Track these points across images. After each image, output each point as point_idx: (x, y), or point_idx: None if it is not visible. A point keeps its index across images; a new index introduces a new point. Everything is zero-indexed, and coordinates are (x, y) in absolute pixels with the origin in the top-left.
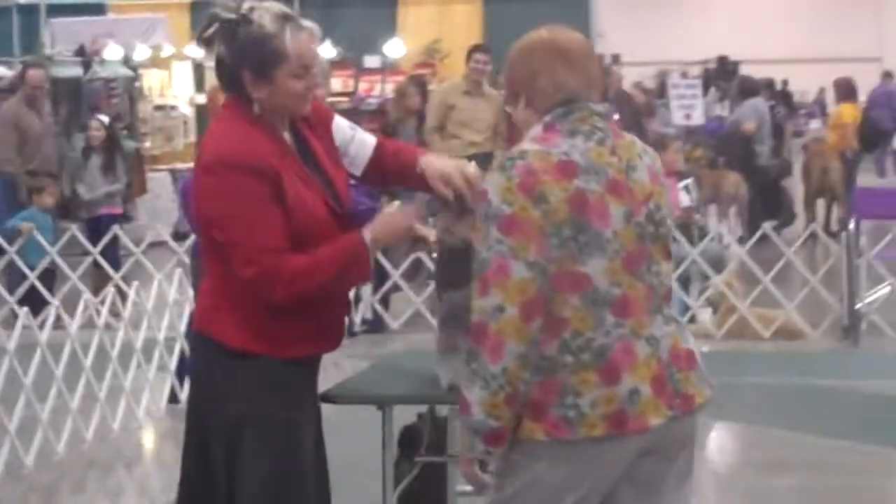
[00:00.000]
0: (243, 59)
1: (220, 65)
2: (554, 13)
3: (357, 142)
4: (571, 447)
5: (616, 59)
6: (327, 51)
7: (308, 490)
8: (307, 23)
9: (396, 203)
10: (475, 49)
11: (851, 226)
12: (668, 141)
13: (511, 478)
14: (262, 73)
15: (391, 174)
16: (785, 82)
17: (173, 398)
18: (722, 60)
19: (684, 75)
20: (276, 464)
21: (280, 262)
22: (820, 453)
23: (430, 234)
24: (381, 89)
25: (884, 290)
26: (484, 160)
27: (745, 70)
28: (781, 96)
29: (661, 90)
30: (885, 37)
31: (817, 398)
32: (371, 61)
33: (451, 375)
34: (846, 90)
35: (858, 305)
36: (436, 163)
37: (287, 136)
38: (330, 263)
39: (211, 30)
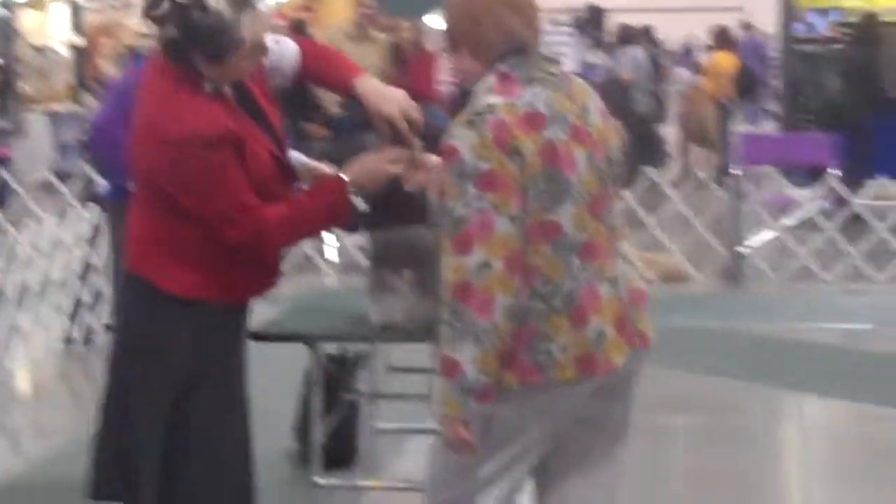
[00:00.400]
0: (197, 44)
1: (170, 43)
2: None
3: (286, 55)
4: (543, 391)
5: None
6: None
7: (251, 434)
8: (261, 3)
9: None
10: None
11: (736, 171)
12: None
13: (480, 427)
14: (217, 58)
15: (318, 82)
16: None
17: (67, 339)
18: (592, 8)
19: (554, 23)
20: (229, 411)
21: (261, 216)
22: (710, 394)
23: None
24: None
25: (766, 234)
26: None
27: (610, 18)
28: (656, 44)
29: None
30: None
31: (704, 339)
32: None
33: (382, 314)
34: (722, 39)
35: (742, 249)
36: (376, 97)
37: (228, 90)
38: (312, 210)
39: (162, 9)
